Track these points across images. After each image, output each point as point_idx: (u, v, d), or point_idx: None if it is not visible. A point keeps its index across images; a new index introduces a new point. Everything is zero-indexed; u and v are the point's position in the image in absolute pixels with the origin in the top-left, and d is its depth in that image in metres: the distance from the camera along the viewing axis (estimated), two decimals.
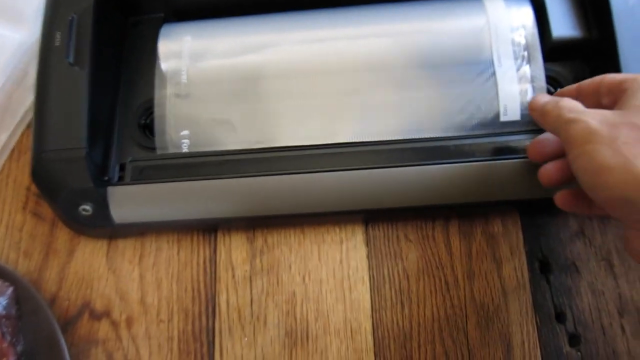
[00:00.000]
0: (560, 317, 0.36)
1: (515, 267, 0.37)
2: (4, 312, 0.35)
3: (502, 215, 0.38)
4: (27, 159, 0.42)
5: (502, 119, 0.36)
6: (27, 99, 0.42)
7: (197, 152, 0.38)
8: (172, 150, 0.38)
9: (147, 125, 0.40)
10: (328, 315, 0.37)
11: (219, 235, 0.40)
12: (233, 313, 0.37)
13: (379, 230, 0.38)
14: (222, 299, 0.38)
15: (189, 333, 0.37)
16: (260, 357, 0.36)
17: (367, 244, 0.38)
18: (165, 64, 0.39)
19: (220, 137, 0.38)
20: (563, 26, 0.37)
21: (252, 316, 0.37)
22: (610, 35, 0.35)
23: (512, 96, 0.36)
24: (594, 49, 0.37)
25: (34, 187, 0.41)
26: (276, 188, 0.37)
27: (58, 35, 0.38)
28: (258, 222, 0.39)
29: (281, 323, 0.37)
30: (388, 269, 0.37)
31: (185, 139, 0.38)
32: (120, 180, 0.38)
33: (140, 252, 0.40)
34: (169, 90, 0.38)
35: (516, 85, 0.36)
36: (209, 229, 0.40)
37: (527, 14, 0.38)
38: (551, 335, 0.35)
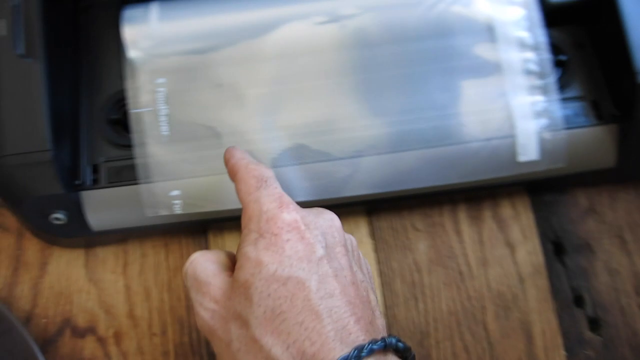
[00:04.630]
0: (578, 301, 0.34)
1: (529, 251, 0.35)
2: None
3: (510, 197, 0.36)
4: None
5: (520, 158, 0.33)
6: None
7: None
8: (151, 144, 0.33)
9: (118, 121, 0.35)
10: None
11: (210, 236, 0.36)
12: None
13: (384, 221, 0.36)
14: None
15: (187, 346, 0.34)
16: None
17: (373, 236, 0.36)
18: (134, 52, 0.34)
19: (205, 139, 0.34)
20: None
21: None
22: None
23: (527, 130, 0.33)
24: (593, 12, 0.35)
25: None
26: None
27: (3, 24, 0.32)
28: None
29: None
30: (397, 262, 0.35)
31: (165, 132, 0.33)
32: (95, 183, 0.34)
33: (124, 260, 0.36)
34: (143, 80, 0.33)
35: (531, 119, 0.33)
36: (198, 230, 0.36)
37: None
38: (571, 321, 0.34)
